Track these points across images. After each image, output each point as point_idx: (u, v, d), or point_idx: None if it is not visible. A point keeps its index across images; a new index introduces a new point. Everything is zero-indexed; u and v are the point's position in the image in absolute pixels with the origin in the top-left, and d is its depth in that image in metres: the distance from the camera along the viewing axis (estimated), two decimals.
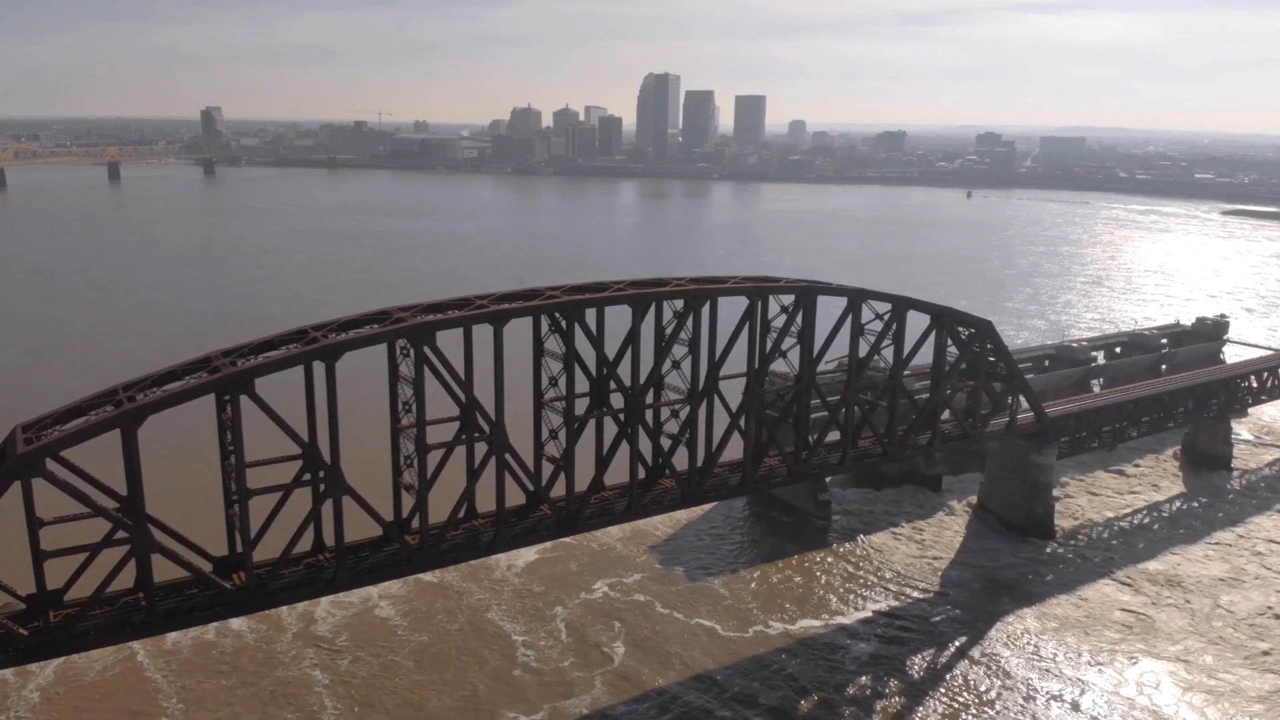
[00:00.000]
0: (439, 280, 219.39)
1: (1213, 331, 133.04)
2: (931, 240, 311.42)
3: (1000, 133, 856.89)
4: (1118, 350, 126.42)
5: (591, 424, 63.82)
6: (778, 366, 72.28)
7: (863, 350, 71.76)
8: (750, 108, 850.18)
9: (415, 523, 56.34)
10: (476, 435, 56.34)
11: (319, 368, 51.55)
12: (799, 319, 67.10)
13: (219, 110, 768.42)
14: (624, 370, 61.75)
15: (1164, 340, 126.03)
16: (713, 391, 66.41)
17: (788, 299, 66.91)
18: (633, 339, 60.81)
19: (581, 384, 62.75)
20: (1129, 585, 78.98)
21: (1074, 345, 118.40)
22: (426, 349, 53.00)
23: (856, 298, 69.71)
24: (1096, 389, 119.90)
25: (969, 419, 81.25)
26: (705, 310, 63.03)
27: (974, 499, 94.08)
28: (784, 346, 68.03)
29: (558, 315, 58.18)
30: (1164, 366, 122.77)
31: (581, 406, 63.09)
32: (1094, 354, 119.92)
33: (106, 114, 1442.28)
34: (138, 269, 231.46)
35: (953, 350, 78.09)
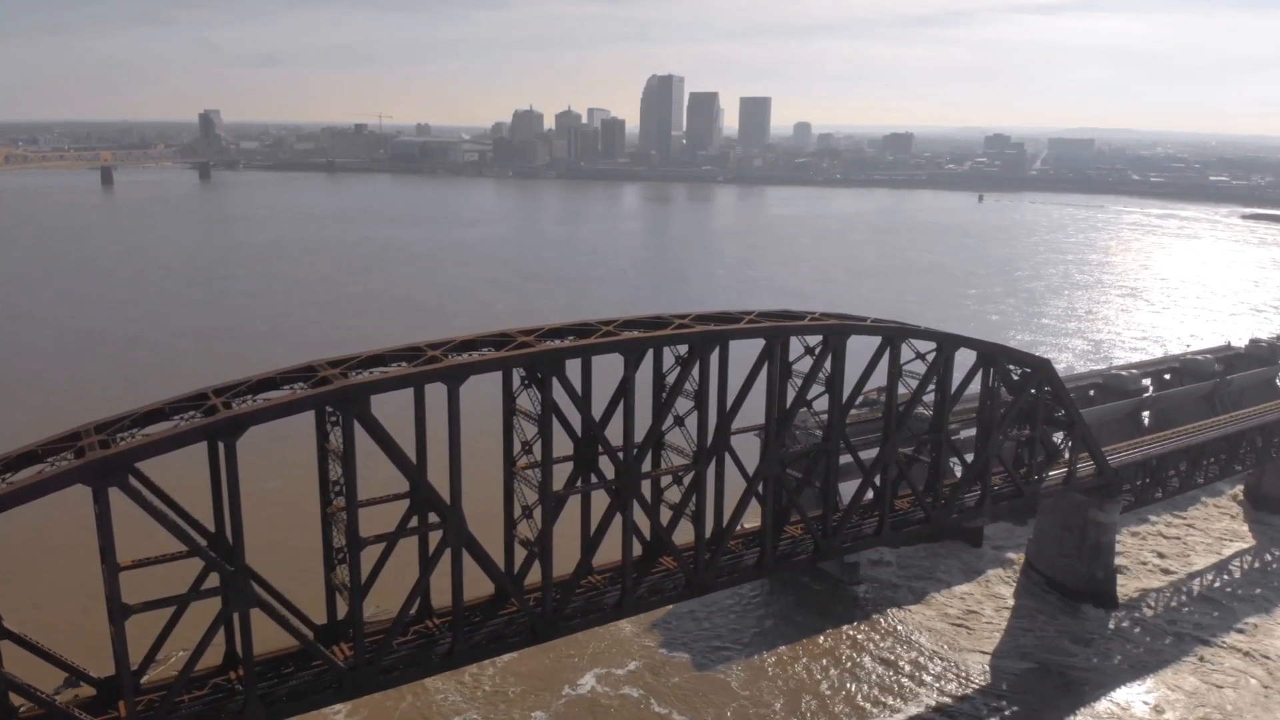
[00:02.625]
0: (434, 294, 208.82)
1: (1269, 355, 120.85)
2: (952, 248, 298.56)
3: (1007, 134, 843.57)
4: (1167, 377, 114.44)
5: (576, 495, 52.47)
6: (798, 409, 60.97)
7: (901, 393, 60.39)
8: (755, 109, 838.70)
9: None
10: (432, 523, 45.04)
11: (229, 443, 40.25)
12: (827, 363, 55.70)
13: (217, 113, 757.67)
14: (615, 427, 50.42)
15: (1217, 366, 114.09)
16: (723, 449, 54.99)
17: (814, 338, 55.65)
18: (625, 392, 49.37)
19: (564, 444, 51.50)
20: (1214, 668, 67.22)
21: (1123, 374, 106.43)
22: (364, 415, 41.72)
23: (896, 336, 58.19)
24: (1145, 422, 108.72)
25: (1021, 471, 69.77)
26: (714, 354, 51.83)
27: (1021, 556, 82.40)
28: (809, 394, 56.64)
29: (532, 368, 46.79)
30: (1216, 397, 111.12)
31: (563, 474, 51.78)
32: (1143, 382, 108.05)
33: (109, 117, 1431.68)
34: (118, 282, 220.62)
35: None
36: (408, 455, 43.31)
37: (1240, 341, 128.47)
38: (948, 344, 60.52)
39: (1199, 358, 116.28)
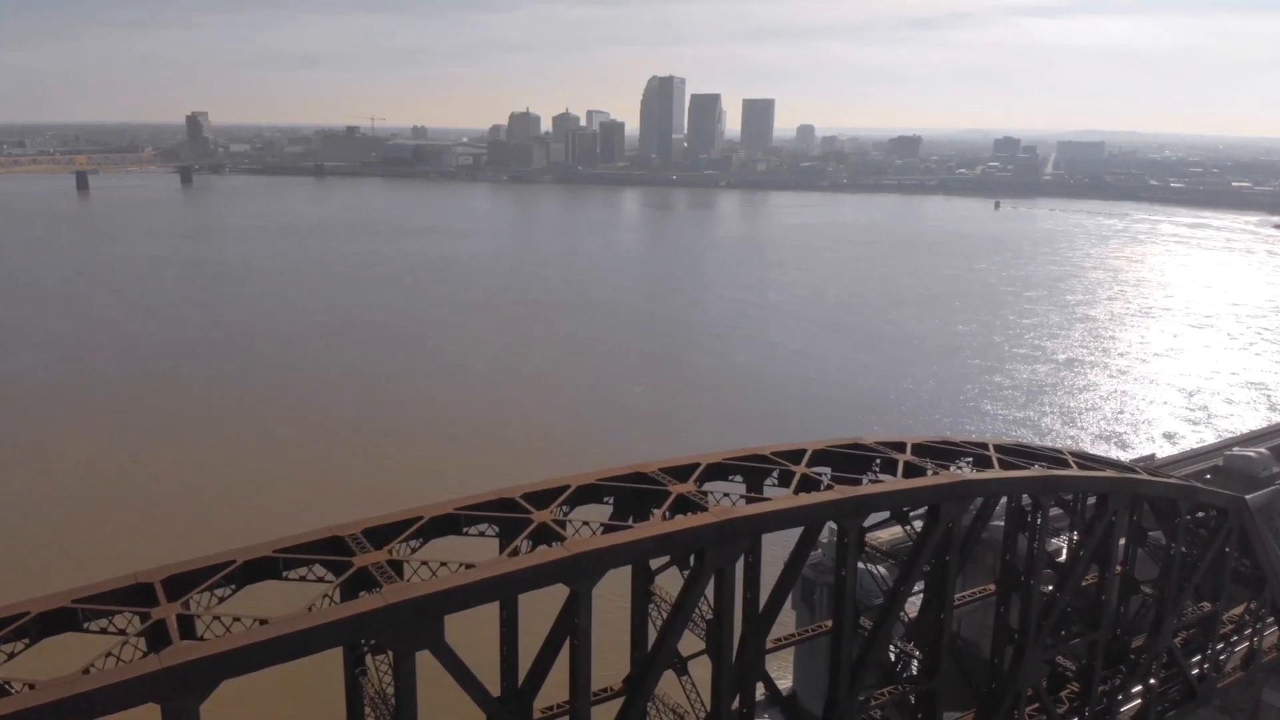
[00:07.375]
0: (415, 324, 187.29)
1: None
2: (992, 265, 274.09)
3: (1015, 137, 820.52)
4: None
5: None
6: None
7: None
8: (758, 112, 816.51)
9: None
10: None
11: None
12: (928, 545, 32.66)
13: (205, 116, 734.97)
14: (559, 676, 27.57)
15: None
16: (754, 681, 32.13)
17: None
18: (576, 645, 26.34)
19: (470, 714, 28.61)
20: None
21: (1250, 454, 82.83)
22: None
23: (1040, 491, 35.01)
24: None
25: (1182, 645, 46.70)
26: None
27: None
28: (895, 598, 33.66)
29: (375, 646, 23.80)
30: None
31: None
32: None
33: (101, 120, 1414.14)
34: (58, 309, 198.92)
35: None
36: None
37: None
38: (1116, 494, 37.34)
39: None
